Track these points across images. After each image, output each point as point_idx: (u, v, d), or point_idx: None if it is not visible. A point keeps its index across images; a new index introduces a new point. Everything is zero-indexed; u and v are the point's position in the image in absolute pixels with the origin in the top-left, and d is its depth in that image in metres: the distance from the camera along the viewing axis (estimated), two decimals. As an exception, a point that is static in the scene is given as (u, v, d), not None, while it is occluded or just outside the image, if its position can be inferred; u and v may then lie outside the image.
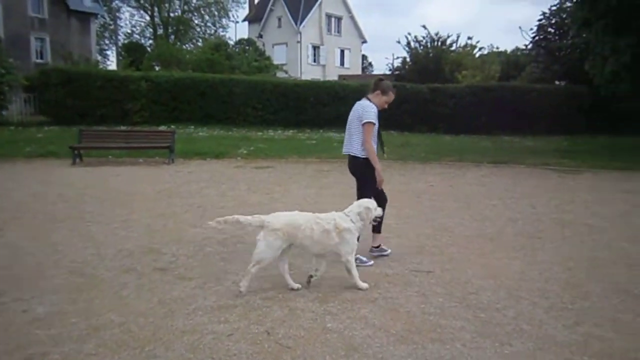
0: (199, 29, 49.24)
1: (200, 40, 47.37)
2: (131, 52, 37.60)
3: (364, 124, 4.99)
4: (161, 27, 46.67)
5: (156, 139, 13.20)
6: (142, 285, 4.34)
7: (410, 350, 3.27)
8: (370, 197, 4.97)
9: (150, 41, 45.64)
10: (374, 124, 5.03)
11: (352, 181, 9.43)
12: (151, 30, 47.45)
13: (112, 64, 43.04)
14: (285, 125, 20.79)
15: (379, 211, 4.58)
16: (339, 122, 20.69)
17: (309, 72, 42.45)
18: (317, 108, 21.29)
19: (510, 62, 31.36)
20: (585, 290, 4.40)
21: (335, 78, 36.51)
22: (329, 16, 46.81)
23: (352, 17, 49.35)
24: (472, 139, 18.90)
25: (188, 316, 3.73)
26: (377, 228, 5.14)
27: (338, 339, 3.40)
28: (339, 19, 47.99)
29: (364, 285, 4.33)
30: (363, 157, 5.05)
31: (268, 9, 46.37)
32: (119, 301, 4.01)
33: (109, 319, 3.67)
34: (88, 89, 19.12)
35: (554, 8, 24.75)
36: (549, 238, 6.07)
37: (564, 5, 23.49)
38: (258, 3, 51.27)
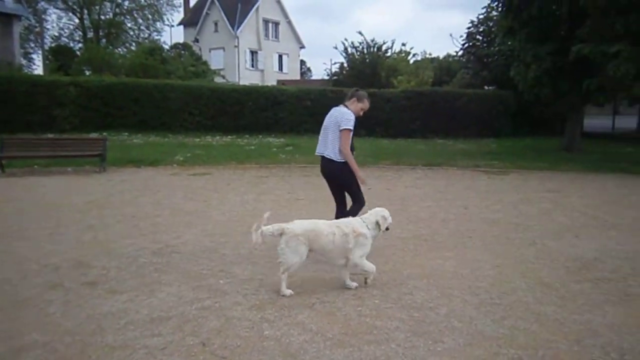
0: (132, 33, 47.57)
1: (134, 44, 45.83)
2: (59, 56, 35.78)
3: (342, 130, 5.20)
4: (91, 30, 44.69)
5: (86, 146, 12.58)
6: (69, 302, 4.13)
7: (347, 354, 3.31)
8: (361, 196, 5.39)
9: (80, 45, 43.60)
10: (352, 130, 5.23)
11: (290, 186, 9.46)
12: (80, 33, 45.36)
13: (38, 69, 40.77)
14: (223, 131, 20.50)
15: (390, 220, 4.69)
16: (278, 127, 20.98)
17: (247, 77, 42.20)
18: (255, 113, 21.16)
19: (443, 68, 32.58)
20: (512, 285, 4.63)
21: (274, 83, 36.55)
22: (266, 21, 46.74)
23: (289, 23, 49.52)
24: (408, 142, 19.43)
25: (119, 331, 3.59)
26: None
27: (275, 346, 3.39)
28: (276, 24, 48.02)
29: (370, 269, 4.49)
30: (339, 161, 5.25)
31: (204, 13, 45.67)
32: (44, 319, 3.79)
33: (33, 339, 3.46)
34: (11, 94, 17.97)
35: (481, 17, 25.99)
36: (479, 237, 6.34)
37: (491, 14, 24.67)
38: (193, 7, 50.37)
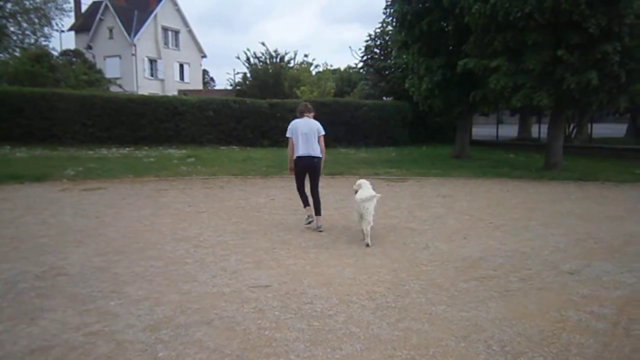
0: (15, 38, 43.69)
1: (18, 50, 42.11)
2: None
3: (322, 136, 7.32)
4: (-34, 34, 40.46)
5: (-41, 162, 11.36)
6: None
7: (245, 369, 3.25)
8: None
9: (-47, 49, 39.28)
10: None
11: (191, 199, 9.24)
12: (-47, 37, 40.90)
13: None
14: (120, 142, 19.48)
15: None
16: (179, 138, 20.37)
17: (146, 87, 40.54)
18: (154, 124, 20.33)
19: (344, 79, 33.58)
20: (406, 288, 4.84)
21: (175, 93, 35.47)
22: (165, 29, 45.29)
23: (190, 31, 48.42)
24: (312, 152, 19.69)
25: (-9, 367, 3.26)
26: (318, 210, 7.41)
27: (169, 368, 3.25)
28: (176, 32, 46.71)
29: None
30: (320, 157, 7.30)
31: (97, 18, 43.23)
32: None
33: None
34: None
35: (378, 31, 27.16)
36: (377, 243, 6.55)
37: (386, 29, 25.86)
38: (86, 12, 47.53)
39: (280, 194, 10.46)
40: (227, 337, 3.73)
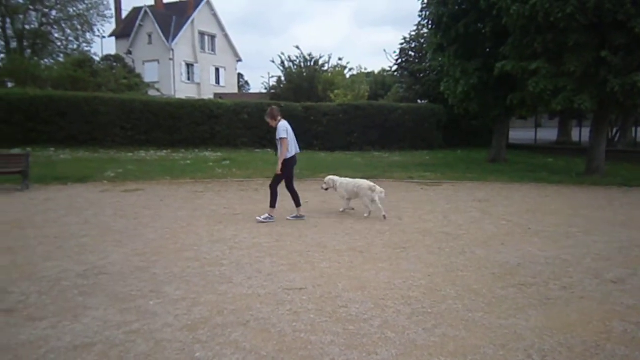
0: (59, 44, 45.39)
1: (62, 55, 43.71)
2: (-23, 67, 33.52)
3: None
4: (15, 40, 42.25)
5: (7, 163, 11.79)
6: (-18, 332, 3.83)
7: (280, 371, 3.27)
8: None
9: (2, 55, 41.09)
10: None
11: (226, 201, 9.40)
12: (3, 43, 42.77)
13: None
14: (158, 145, 19.95)
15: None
16: (215, 140, 20.67)
17: (183, 91, 41.39)
18: (191, 127, 20.74)
19: (378, 82, 33.42)
20: (442, 294, 4.76)
21: (211, 96, 36.06)
22: (202, 34, 46.13)
23: (226, 36, 49.16)
24: (346, 155, 19.70)
25: (37, 361, 3.37)
26: (273, 201, 8.18)
27: (207, 368, 3.30)
28: (212, 37, 47.51)
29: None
30: None
31: (137, 24, 44.42)
32: (-49, 352, 3.50)
33: (-62, 374, 3.19)
34: None
35: (413, 33, 26.94)
36: (412, 247, 6.49)
37: (421, 32, 25.63)
38: (126, 18, 48.91)
39: (313, 197, 10.48)
40: (262, 338, 3.75)
